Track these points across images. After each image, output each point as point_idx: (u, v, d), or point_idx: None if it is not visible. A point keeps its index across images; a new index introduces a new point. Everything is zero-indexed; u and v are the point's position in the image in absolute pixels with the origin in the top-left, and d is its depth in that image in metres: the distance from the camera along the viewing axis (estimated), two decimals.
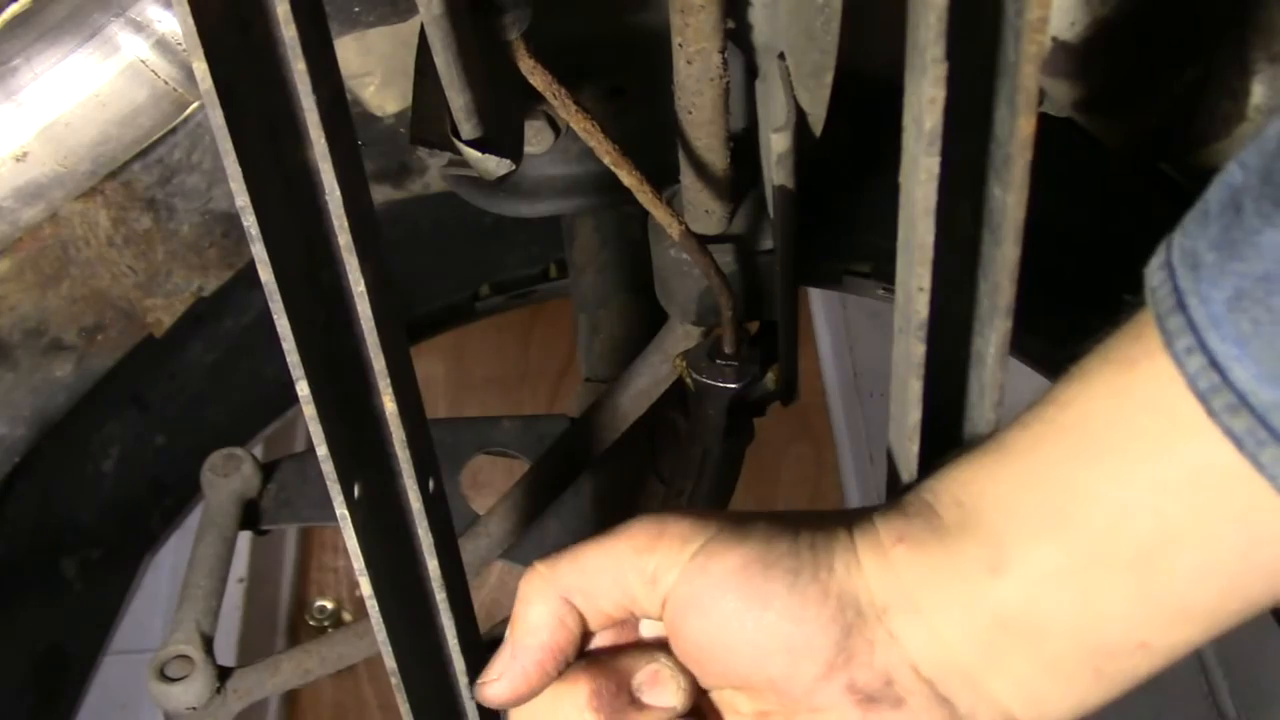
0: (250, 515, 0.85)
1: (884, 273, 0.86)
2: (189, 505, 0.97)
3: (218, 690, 0.74)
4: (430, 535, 0.50)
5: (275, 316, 0.40)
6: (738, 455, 0.84)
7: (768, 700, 0.45)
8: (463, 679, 0.54)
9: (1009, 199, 0.40)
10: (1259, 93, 0.66)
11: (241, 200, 0.38)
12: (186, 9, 0.34)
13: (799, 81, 0.58)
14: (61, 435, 0.83)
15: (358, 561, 0.46)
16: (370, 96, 0.80)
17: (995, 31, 0.39)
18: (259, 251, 0.39)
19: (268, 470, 0.86)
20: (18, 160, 0.65)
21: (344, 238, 0.42)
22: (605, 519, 0.85)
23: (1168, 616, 0.39)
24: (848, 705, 0.43)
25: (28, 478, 0.83)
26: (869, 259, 0.87)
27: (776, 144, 0.58)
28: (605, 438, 0.80)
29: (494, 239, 1.05)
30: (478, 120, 0.54)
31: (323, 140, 0.40)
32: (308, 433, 0.43)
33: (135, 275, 0.76)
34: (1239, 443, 0.35)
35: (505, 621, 0.81)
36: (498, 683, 0.46)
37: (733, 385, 0.70)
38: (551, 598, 0.46)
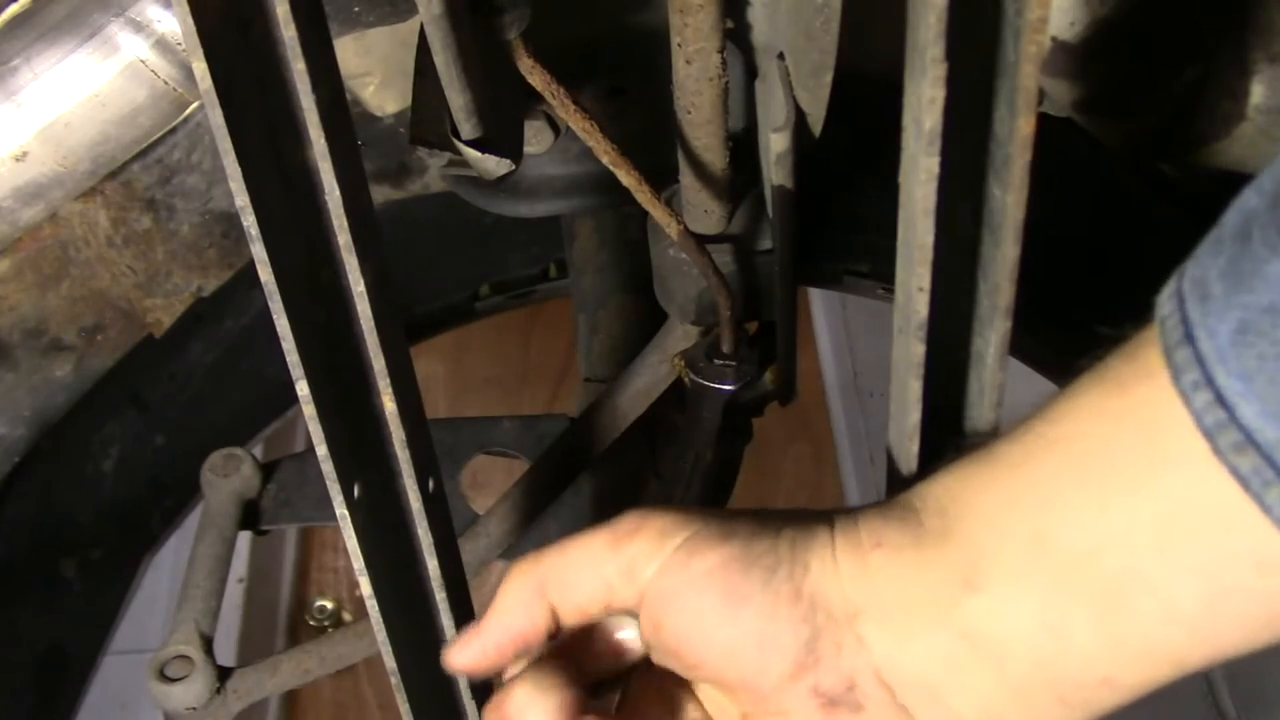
0: (250, 515, 0.85)
1: (884, 273, 0.86)
2: (189, 505, 0.97)
3: (218, 690, 0.74)
4: (430, 535, 0.50)
5: (275, 316, 0.40)
6: (737, 456, 0.84)
7: (742, 700, 0.45)
8: (463, 679, 0.54)
9: (1009, 199, 0.41)
10: (1259, 93, 0.65)
11: (241, 200, 0.38)
12: (186, 9, 0.34)
13: (798, 81, 0.58)
14: (61, 435, 0.83)
15: (358, 561, 0.46)
16: (370, 96, 0.80)
17: (995, 31, 0.39)
18: (259, 251, 0.39)
19: (268, 470, 0.86)
20: (18, 160, 0.65)
21: (344, 238, 0.42)
22: (605, 519, 0.84)
23: (1131, 656, 0.39)
24: (811, 708, 0.43)
25: (28, 478, 0.83)
26: (869, 259, 0.87)
27: (776, 144, 0.58)
28: (605, 437, 0.80)
29: (494, 239, 1.05)
30: (478, 120, 0.54)
31: (323, 140, 0.40)
32: (308, 433, 0.43)
33: (135, 275, 0.76)
34: (1245, 482, 0.34)
35: None
36: (460, 653, 0.47)
37: (729, 386, 0.70)
38: (525, 587, 0.47)
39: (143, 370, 0.91)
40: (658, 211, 0.60)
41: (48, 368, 0.77)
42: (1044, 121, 0.39)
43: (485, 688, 0.57)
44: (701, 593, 0.43)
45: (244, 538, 0.84)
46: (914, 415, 0.46)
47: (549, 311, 1.62)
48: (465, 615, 0.54)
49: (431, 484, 0.50)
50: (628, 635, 0.48)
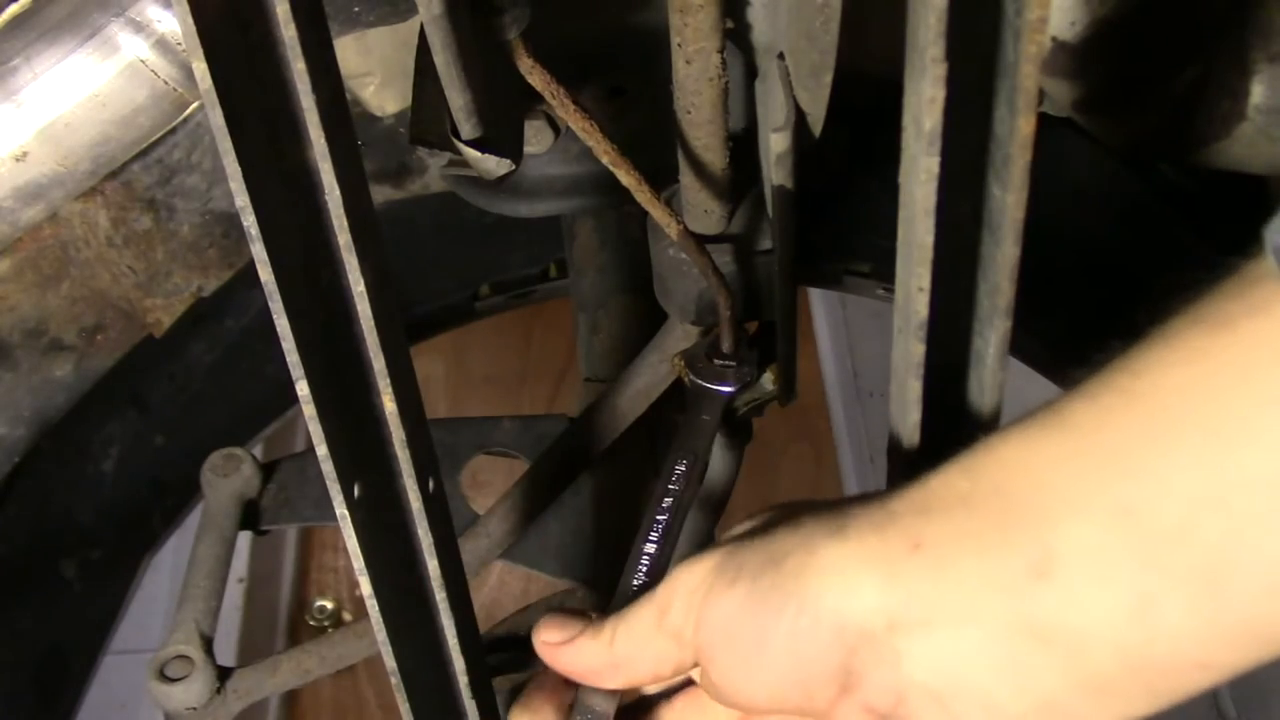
0: (250, 515, 0.85)
1: (884, 273, 0.86)
2: (189, 505, 0.97)
3: (218, 690, 0.74)
4: (430, 535, 0.50)
5: (275, 316, 0.40)
6: (736, 456, 0.84)
7: None
8: (463, 679, 0.54)
9: (1009, 199, 0.40)
10: (1259, 93, 0.65)
11: (241, 200, 0.38)
12: (186, 9, 0.34)
13: (798, 82, 0.58)
14: (61, 435, 0.83)
15: (358, 561, 0.46)
16: (370, 96, 0.80)
17: (995, 31, 0.39)
18: (259, 251, 0.39)
19: (268, 470, 0.86)
20: (18, 160, 0.65)
21: (344, 238, 0.42)
22: (605, 519, 0.85)
23: (1230, 636, 0.35)
24: None
25: (28, 478, 0.83)
26: (869, 259, 0.87)
27: (776, 144, 0.58)
28: (605, 437, 0.80)
29: (494, 239, 1.05)
30: (478, 120, 0.54)
31: (323, 140, 0.40)
32: (308, 433, 0.43)
33: (135, 275, 0.76)
34: None
35: (505, 621, 0.81)
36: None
37: (728, 388, 0.70)
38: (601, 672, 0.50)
39: (143, 370, 0.91)
40: (658, 211, 0.60)
41: (48, 368, 0.77)
42: (1044, 121, 0.39)
43: (485, 688, 0.57)
44: (728, 644, 0.44)
45: (244, 538, 0.84)
46: (914, 415, 0.46)
47: (549, 311, 1.62)
48: (465, 615, 0.54)
49: (431, 484, 0.50)
50: None
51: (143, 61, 0.64)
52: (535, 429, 0.88)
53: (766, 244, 0.70)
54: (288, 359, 0.41)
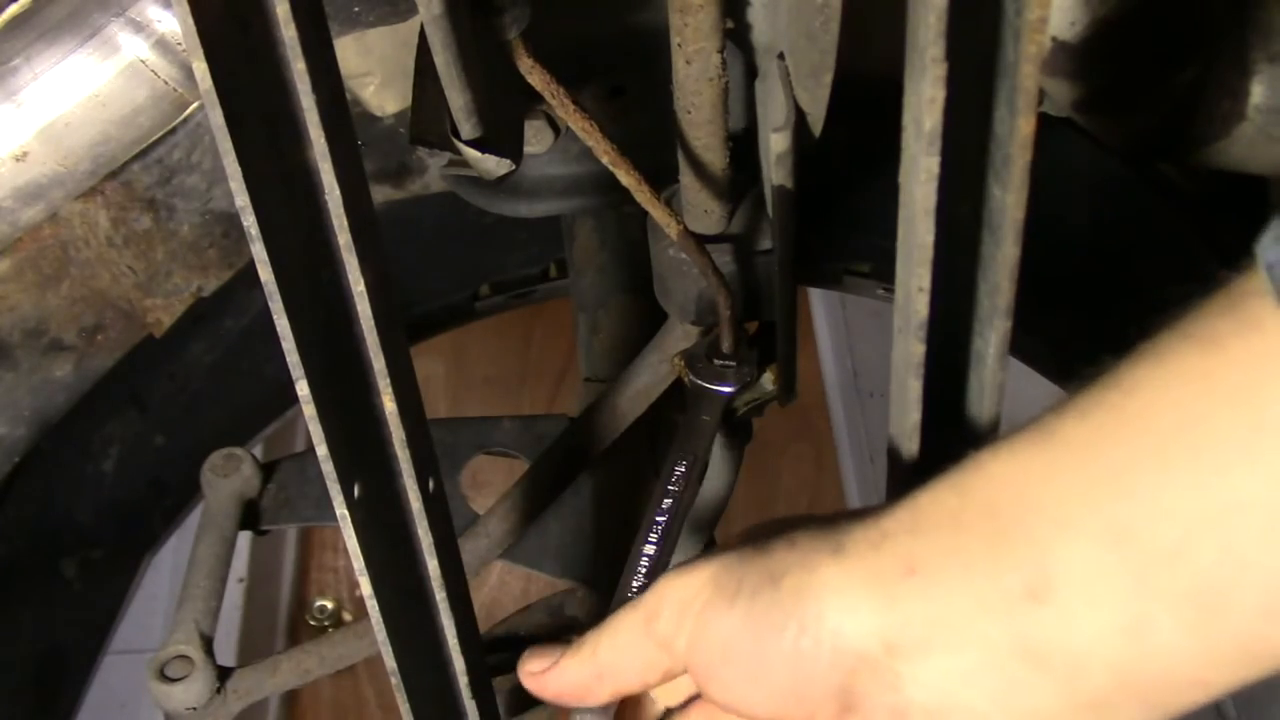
0: (250, 515, 0.85)
1: (884, 273, 0.86)
2: (189, 505, 0.97)
3: (218, 690, 0.74)
4: (430, 535, 0.50)
5: (275, 316, 0.40)
6: (736, 456, 0.84)
7: None
8: (463, 679, 0.54)
9: (1009, 199, 0.40)
10: (1259, 93, 0.66)
11: (241, 200, 0.38)
12: (186, 9, 0.34)
13: (798, 82, 0.58)
14: (61, 435, 0.83)
15: (358, 561, 0.46)
16: (370, 96, 0.80)
17: (995, 31, 0.39)
18: (259, 251, 0.39)
19: (268, 470, 0.86)
20: (18, 160, 0.65)
21: (344, 238, 0.42)
22: (605, 519, 0.85)
23: (1227, 656, 0.35)
24: None
25: (28, 478, 0.83)
26: (869, 259, 0.87)
27: (776, 144, 0.58)
28: (605, 437, 0.80)
29: (494, 239, 1.05)
30: (477, 120, 0.54)
31: (323, 140, 0.40)
32: (308, 433, 0.43)
33: (135, 275, 0.76)
34: None
35: (505, 621, 0.81)
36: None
37: (728, 388, 0.70)
38: (584, 683, 0.50)
39: (143, 370, 0.91)
40: (658, 211, 0.60)
41: (48, 368, 0.77)
42: (1044, 121, 0.39)
43: (485, 688, 0.57)
44: (726, 664, 0.44)
45: (244, 538, 0.84)
46: (914, 415, 0.46)
47: (549, 311, 1.62)
48: (465, 615, 0.54)
49: (431, 484, 0.50)
50: None
51: (143, 61, 0.64)
52: (535, 429, 0.88)
53: (766, 244, 0.70)
54: (288, 359, 0.41)
